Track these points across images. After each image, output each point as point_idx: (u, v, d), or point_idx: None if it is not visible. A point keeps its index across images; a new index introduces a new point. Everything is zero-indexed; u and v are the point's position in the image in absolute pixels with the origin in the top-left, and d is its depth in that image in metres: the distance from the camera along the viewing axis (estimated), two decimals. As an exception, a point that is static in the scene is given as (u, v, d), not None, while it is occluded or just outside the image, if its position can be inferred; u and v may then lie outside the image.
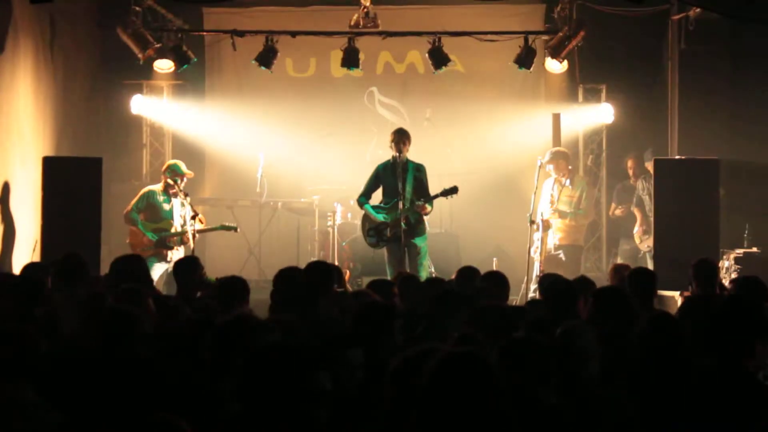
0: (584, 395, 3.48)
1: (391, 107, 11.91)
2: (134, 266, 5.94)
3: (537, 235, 8.93)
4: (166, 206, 8.83)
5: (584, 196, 9.42)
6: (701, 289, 5.94)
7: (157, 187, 8.93)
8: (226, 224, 9.20)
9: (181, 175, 8.80)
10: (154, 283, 8.55)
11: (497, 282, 5.69)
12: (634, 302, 4.60)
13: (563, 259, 9.37)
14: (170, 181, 8.77)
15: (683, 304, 5.03)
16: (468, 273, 6.12)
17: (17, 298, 5.03)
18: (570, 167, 9.67)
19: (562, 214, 9.21)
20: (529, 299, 8.10)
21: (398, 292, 5.70)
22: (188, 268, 6.06)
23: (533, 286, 8.74)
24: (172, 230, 8.77)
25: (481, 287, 5.61)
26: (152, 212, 8.82)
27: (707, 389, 3.47)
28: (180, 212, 8.84)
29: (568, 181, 9.28)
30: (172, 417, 2.66)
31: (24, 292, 5.12)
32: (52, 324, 4.73)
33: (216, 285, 5.45)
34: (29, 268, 6.30)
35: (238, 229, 9.33)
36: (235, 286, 5.19)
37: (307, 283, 5.21)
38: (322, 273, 5.44)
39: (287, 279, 5.14)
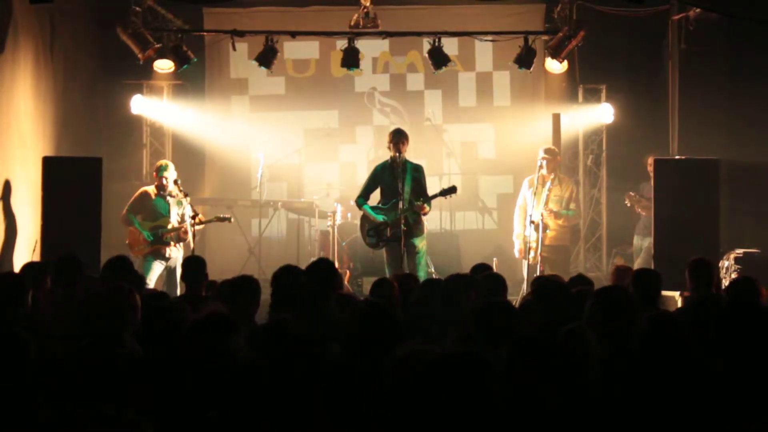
0: (585, 396, 3.48)
1: (391, 107, 11.92)
2: (123, 266, 5.93)
3: (533, 236, 8.89)
4: (162, 205, 8.85)
5: (573, 197, 9.33)
6: (697, 289, 5.94)
7: (151, 188, 8.96)
8: (220, 216, 9.25)
9: (162, 176, 8.81)
10: (154, 283, 8.60)
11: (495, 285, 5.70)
12: (635, 302, 4.59)
13: (551, 259, 9.27)
14: (164, 181, 8.80)
15: (684, 305, 5.04)
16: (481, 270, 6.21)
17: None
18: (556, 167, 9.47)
19: (557, 215, 9.16)
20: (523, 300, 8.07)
21: (399, 291, 5.68)
22: (195, 267, 6.06)
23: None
24: (169, 227, 8.78)
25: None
26: (149, 212, 8.84)
27: (714, 390, 3.47)
28: (177, 210, 8.86)
29: (549, 183, 9.15)
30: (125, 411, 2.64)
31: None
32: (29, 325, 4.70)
33: (224, 285, 5.44)
34: (25, 267, 6.29)
35: (232, 220, 9.43)
36: (247, 287, 5.14)
37: (311, 283, 5.17)
38: (326, 272, 5.37)
39: (287, 278, 5.10)
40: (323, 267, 5.36)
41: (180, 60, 10.13)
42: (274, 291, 5.00)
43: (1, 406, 3.23)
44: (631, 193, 9.97)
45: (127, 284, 4.71)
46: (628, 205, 10.08)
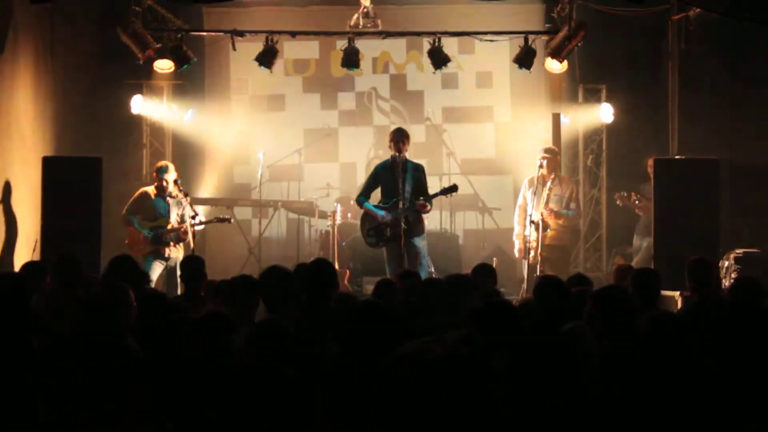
0: (585, 396, 3.48)
1: (392, 107, 11.92)
2: (126, 265, 5.94)
3: (533, 236, 8.87)
4: (162, 205, 8.86)
5: (573, 197, 9.30)
6: (697, 289, 5.93)
7: (151, 189, 8.97)
8: (220, 216, 9.30)
9: (162, 177, 8.83)
10: (154, 283, 8.61)
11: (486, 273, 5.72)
12: (635, 302, 4.59)
13: (551, 259, 9.23)
14: (164, 183, 8.81)
15: (684, 305, 5.03)
16: (483, 270, 6.22)
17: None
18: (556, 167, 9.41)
19: (557, 215, 9.13)
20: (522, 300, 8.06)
21: (401, 290, 5.68)
22: (195, 267, 6.05)
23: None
24: (169, 227, 8.79)
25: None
26: (148, 212, 8.85)
27: (714, 390, 3.48)
28: (177, 211, 8.87)
29: (549, 182, 9.10)
30: None
31: None
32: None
33: (223, 285, 5.43)
34: (25, 267, 6.30)
35: (231, 221, 9.49)
36: (246, 286, 5.12)
37: (310, 283, 5.16)
38: (325, 272, 5.35)
39: (274, 279, 5.06)
40: (322, 267, 5.35)
41: (180, 60, 10.12)
42: (263, 294, 4.97)
43: (1, 406, 3.23)
44: (623, 193, 9.97)
45: (128, 283, 4.71)
46: (620, 204, 10.08)
